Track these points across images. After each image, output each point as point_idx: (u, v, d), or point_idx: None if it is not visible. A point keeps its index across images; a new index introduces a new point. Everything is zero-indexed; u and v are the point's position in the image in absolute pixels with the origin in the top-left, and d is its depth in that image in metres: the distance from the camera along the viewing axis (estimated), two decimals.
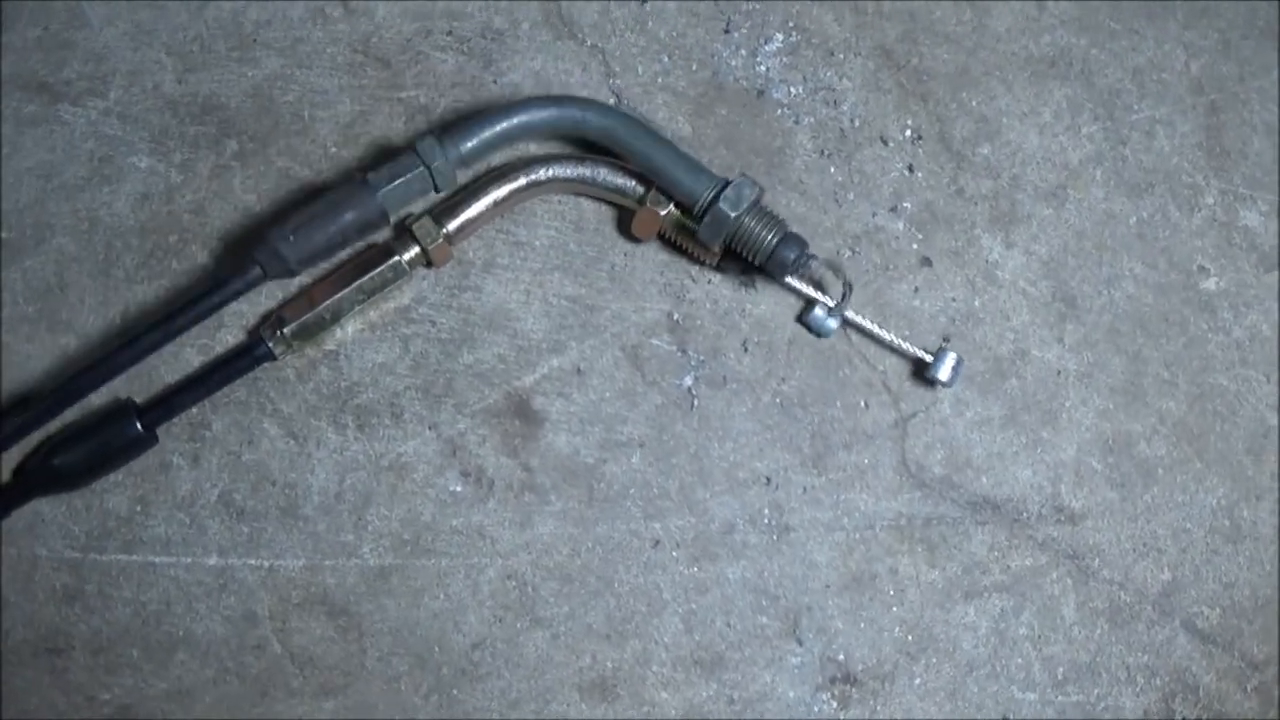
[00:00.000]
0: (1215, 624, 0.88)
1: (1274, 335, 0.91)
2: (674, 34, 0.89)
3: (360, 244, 0.80)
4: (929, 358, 0.84)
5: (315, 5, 0.88)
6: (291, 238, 0.75)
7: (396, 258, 0.78)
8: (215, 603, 0.82)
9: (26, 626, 0.81)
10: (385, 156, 0.82)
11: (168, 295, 0.84)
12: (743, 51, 0.89)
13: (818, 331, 0.85)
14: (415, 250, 0.79)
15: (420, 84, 0.87)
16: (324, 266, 0.82)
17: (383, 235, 0.82)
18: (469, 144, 0.76)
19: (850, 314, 0.84)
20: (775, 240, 0.78)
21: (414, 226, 0.78)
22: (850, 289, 0.82)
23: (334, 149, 0.86)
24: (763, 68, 0.89)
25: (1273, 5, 0.96)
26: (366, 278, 0.78)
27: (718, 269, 0.84)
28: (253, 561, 0.82)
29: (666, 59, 0.88)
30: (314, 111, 0.86)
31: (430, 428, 0.83)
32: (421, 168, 0.76)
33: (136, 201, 0.85)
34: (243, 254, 0.78)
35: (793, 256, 0.78)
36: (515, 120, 0.77)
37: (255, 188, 0.85)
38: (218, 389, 0.80)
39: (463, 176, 0.82)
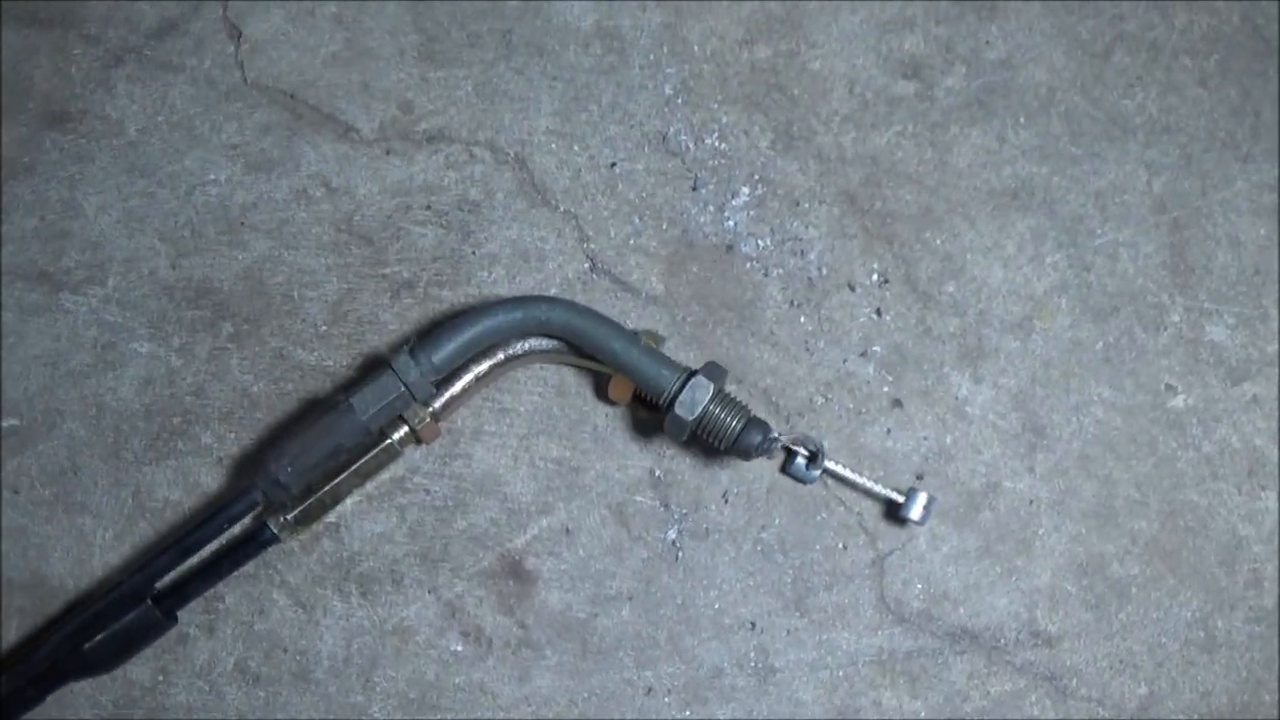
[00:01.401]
0: None
1: (1243, 447, 0.94)
2: (643, 195, 0.92)
3: None
4: (900, 499, 0.87)
5: (299, 187, 0.92)
6: (289, 468, 0.81)
7: (388, 441, 0.83)
8: None
9: None
10: (372, 349, 0.87)
11: (175, 475, 0.89)
12: (711, 207, 0.92)
13: (802, 480, 0.88)
14: (405, 430, 0.83)
15: (403, 259, 0.91)
16: None
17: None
18: (440, 355, 0.82)
19: (829, 464, 0.87)
20: (739, 428, 0.81)
21: (402, 410, 0.83)
22: (821, 454, 0.85)
23: (324, 327, 0.90)
24: (731, 222, 0.92)
25: (1233, 115, 0.97)
26: (361, 463, 0.83)
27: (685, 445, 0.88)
28: None
29: (638, 220, 0.92)
30: (303, 291, 0.90)
31: (430, 591, 0.88)
32: (400, 386, 0.81)
33: (140, 386, 0.90)
34: (242, 471, 0.83)
35: (756, 442, 0.82)
36: (481, 328, 0.82)
37: (251, 368, 0.90)
38: (228, 574, 0.85)
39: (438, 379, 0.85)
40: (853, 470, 0.88)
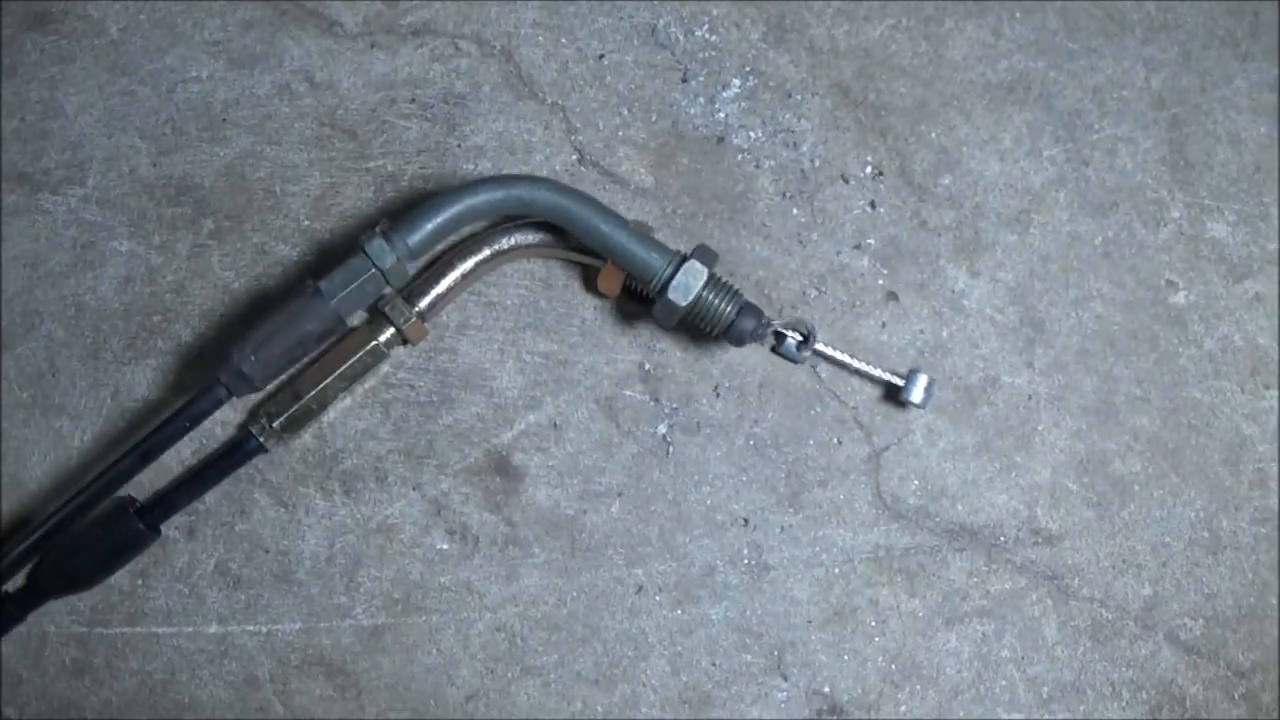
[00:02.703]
0: (1199, 635, 0.89)
1: (1246, 345, 0.92)
2: (632, 86, 0.90)
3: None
4: (900, 381, 0.85)
5: (281, 82, 0.90)
6: (253, 357, 0.76)
7: (374, 342, 0.80)
8: (218, 669, 0.85)
9: (39, 701, 0.85)
10: (359, 229, 0.85)
11: (155, 374, 0.87)
12: (701, 99, 0.90)
13: (792, 359, 0.86)
14: (391, 331, 0.81)
15: (387, 153, 0.89)
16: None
17: (358, 319, 0.84)
18: (416, 237, 0.77)
19: (821, 347, 0.85)
20: (733, 314, 0.79)
21: (386, 309, 0.80)
22: (813, 336, 0.83)
23: (306, 222, 0.88)
24: (721, 114, 0.90)
25: (1231, 14, 0.96)
26: (348, 365, 0.80)
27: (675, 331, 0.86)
28: (251, 627, 0.85)
29: (626, 112, 0.90)
30: (285, 186, 0.89)
31: (414, 489, 0.86)
32: (372, 269, 0.76)
33: (119, 285, 0.88)
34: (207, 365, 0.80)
35: (750, 328, 0.79)
36: (461, 206, 0.77)
37: (233, 265, 0.88)
38: (214, 484, 0.82)
39: (416, 265, 0.83)
40: (852, 355, 0.85)
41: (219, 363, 0.79)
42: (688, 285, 0.79)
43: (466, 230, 0.83)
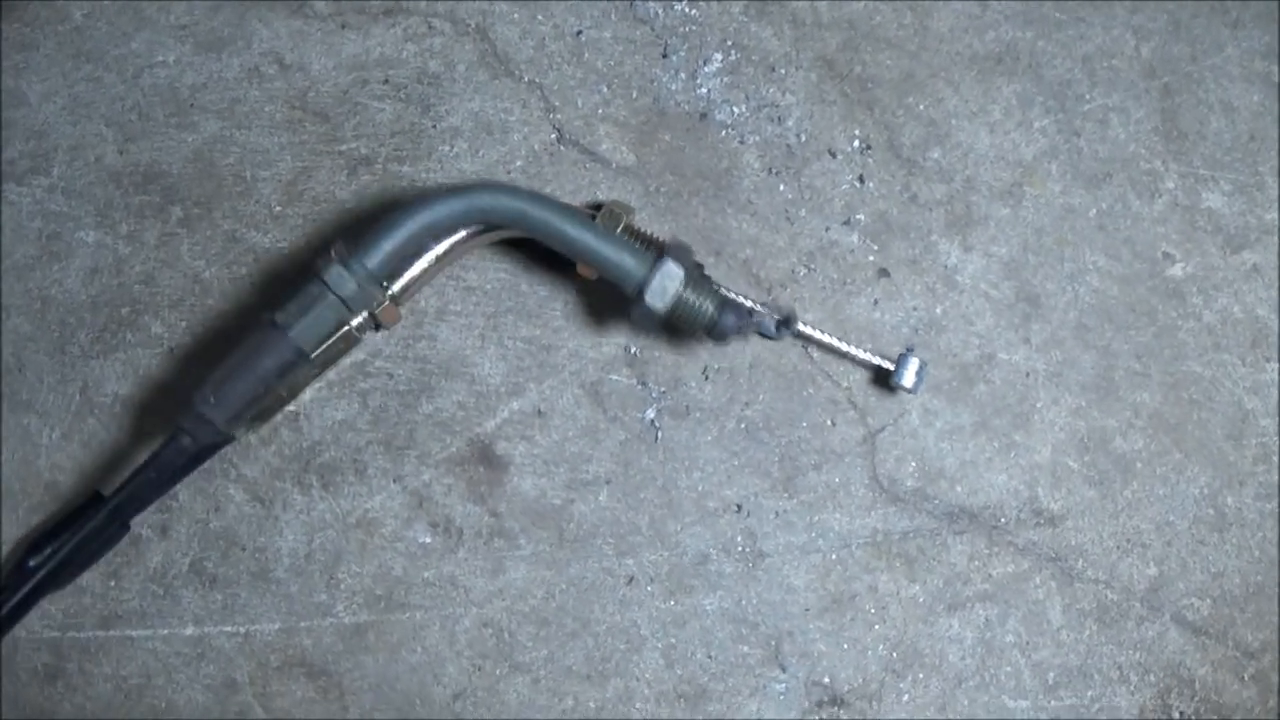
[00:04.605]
0: (1206, 615, 0.87)
1: (1245, 317, 0.90)
2: (611, 63, 0.88)
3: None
4: (890, 365, 0.83)
5: (250, 65, 0.87)
6: (216, 404, 0.73)
7: (346, 327, 0.77)
8: (195, 672, 0.82)
9: (11, 708, 0.81)
10: (340, 223, 0.82)
11: (124, 368, 0.84)
12: (682, 75, 0.88)
13: (770, 336, 0.83)
14: (363, 315, 0.78)
15: (360, 135, 0.86)
16: None
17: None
18: (377, 259, 0.73)
19: (805, 329, 0.82)
20: (714, 312, 0.76)
21: (340, 326, 0.76)
22: (791, 321, 0.80)
23: (278, 208, 0.85)
24: (704, 90, 0.88)
25: None
26: (318, 353, 0.77)
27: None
28: (228, 628, 0.82)
29: (606, 89, 0.87)
30: (255, 171, 0.86)
31: (395, 481, 0.83)
32: (333, 299, 0.73)
33: (86, 276, 0.85)
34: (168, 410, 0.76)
35: (732, 324, 0.76)
36: (419, 224, 0.74)
37: (203, 253, 0.85)
38: (185, 476, 0.79)
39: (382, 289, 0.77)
40: (838, 339, 0.83)
41: (180, 410, 0.75)
42: (664, 289, 0.75)
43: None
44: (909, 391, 0.82)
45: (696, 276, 0.77)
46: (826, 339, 0.82)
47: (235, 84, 0.87)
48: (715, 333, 0.77)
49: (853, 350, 0.82)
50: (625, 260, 0.76)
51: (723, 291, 0.79)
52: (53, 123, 0.87)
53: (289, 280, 0.83)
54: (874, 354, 0.83)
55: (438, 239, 0.77)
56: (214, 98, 0.87)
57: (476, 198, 0.75)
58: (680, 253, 0.77)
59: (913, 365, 0.82)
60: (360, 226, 0.79)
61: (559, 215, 0.76)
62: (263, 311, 0.76)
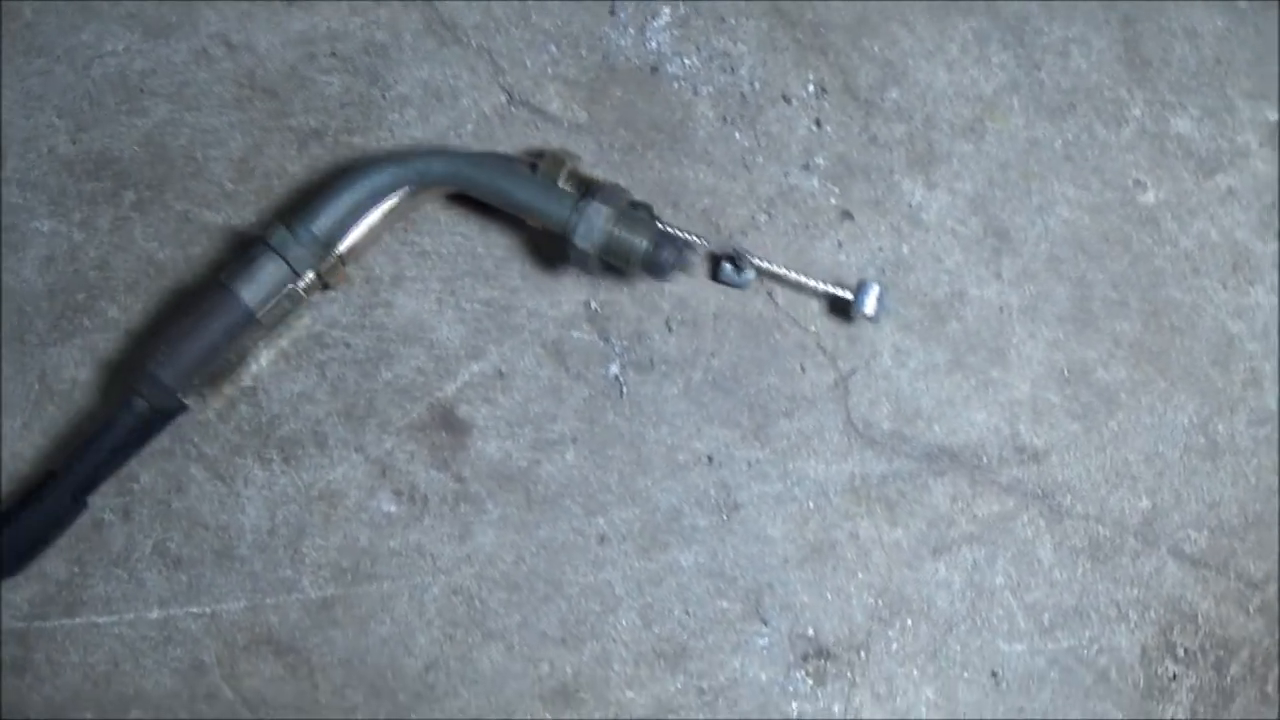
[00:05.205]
0: (1205, 547, 0.84)
1: (1224, 241, 0.88)
2: (559, 23, 0.87)
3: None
4: (849, 295, 0.80)
5: (198, 48, 0.87)
6: (171, 367, 0.73)
7: (290, 286, 0.76)
8: (162, 656, 0.80)
9: None
10: (291, 195, 0.82)
11: (81, 354, 0.83)
12: (631, 30, 0.87)
13: (736, 285, 0.82)
14: (310, 276, 0.77)
15: (309, 109, 0.86)
16: None
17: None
18: (320, 225, 0.76)
19: (759, 261, 0.80)
20: (648, 247, 0.75)
21: (288, 289, 0.76)
22: (744, 255, 0.79)
23: (230, 185, 0.85)
24: (653, 44, 0.87)
25: None
26: (265, 311, 0.76)
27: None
28: (194, 609, 0.80)
29: (554, 49, 0.87)
30: (206, 151, 0.85)
31: (356, 450, 0.81)
32: (282, 264, 0.75)
33: (42, 265, 0.85)
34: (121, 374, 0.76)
35: (669, 258, 0.75)
36: (361, 190, 0.76)
37: (156, 235, 0.84)
38: (138, 450, 0.78)
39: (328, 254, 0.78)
40: (794, 271, 0.81)
41: (133, 374, 0.75)
42: (590, 228, 0.75)
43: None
44: (871, 319, 0.80)
45: (628, 214, 0.76)
46: (784, 272, 0.80)
47: (184, 67, 0.87)
48: (653, 268, 0.76)
49: (808, 280, 0.80)
50: (551, 204, 0.76)
51: (662, 227, 0.78)
52: (6, 116, 0.87)
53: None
54: (832, 285, 0.81)
55: (381, 200, 0.77)
56: (163, 82, 0.87)
57: (414, 163, 0.78)
58: (610, 192, 0.76)
59: (873, 291, 0.80)
60: (308, 196, 0.79)
61: (490, 168, 0.77)
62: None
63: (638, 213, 0.77)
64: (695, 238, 0.79)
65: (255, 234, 0.77)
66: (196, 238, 0.84)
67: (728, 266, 0.81)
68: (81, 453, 0.74)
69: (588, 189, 0.77)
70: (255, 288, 0.74)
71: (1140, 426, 0.85)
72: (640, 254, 0.75)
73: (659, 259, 0.75)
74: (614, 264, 0.77)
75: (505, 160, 0.78)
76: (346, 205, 0.76)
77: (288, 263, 0.75)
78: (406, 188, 0.77)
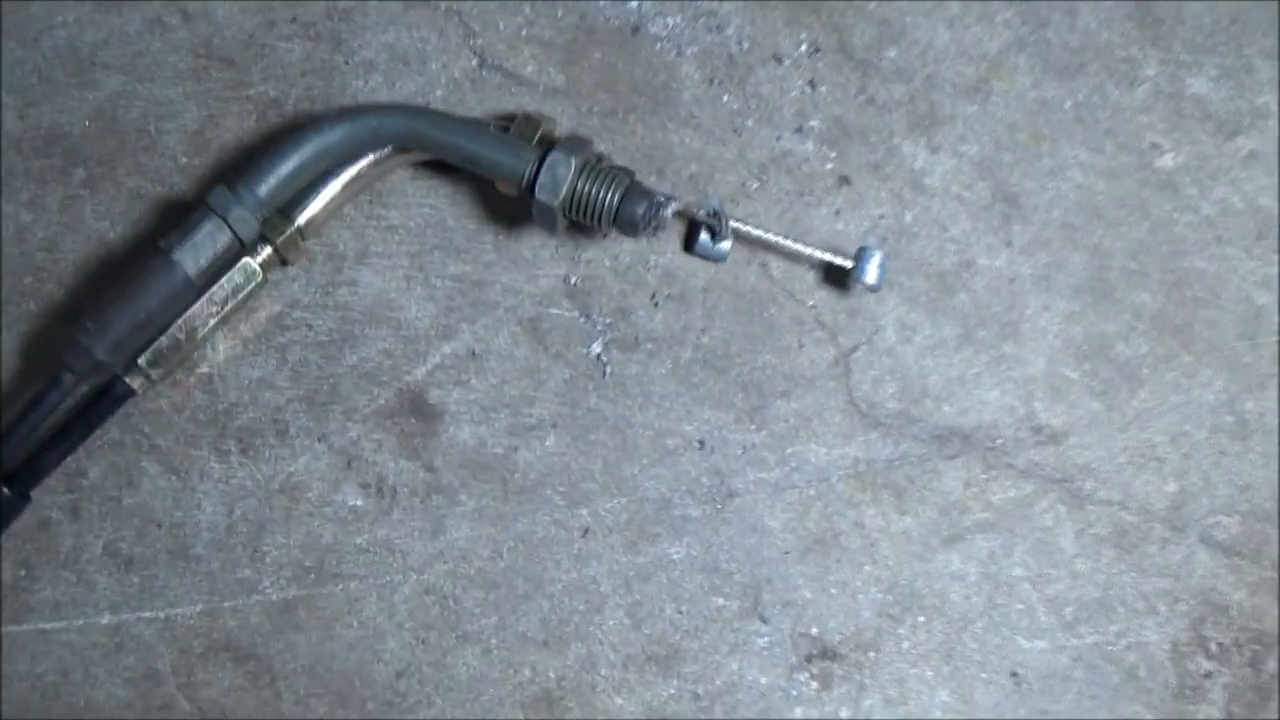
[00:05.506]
0: (1236, 533, 0.78)
1: (1247, 207, 0.82)
2: None
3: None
4: (848, 263, 0.75)
5: (152, 16, 0.82)
6: (103, 340, 0.67)
7: (245, 260, 0.71)
8: (114, 665, 0.74)
9: None
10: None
11: (26, 341, 0.78)
12: None
13: (712, 257, 0.76)
14: (267, 250, 0.72)
15: (269, 78, 0.80)
16: None
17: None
18: (265, 187, 0.70)
19: (749, 229, 0.74)
20: (615, 200, 0.69)
21: (260, 224, 0.71)
22: (722, 215, 0.73)
23: (184, 159, 0.79)
24: (634, 2, 0.82)
25: None
26: (216, 287, 0.71)
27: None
28: (147, 614, 0.74)
29: (529, 9, 0.82)
30: (160, 124, 0.80)
31: (319, 440, 0.76)
32: (218, 221, 0.69)
33: None
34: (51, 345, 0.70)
35: (641, 211, 0.69)
36: (309, 148, 0.70)
37: (107, 213, 0.79)
38: (83, 439, 0.72)
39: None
40: (782, 236, 0.74)
41: (63, 345, 0.69)
42: (555, 180, 0.69)
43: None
44: (873, 289, 0.74)
45: (594, 166, 0.70)
46: (773, 238, 0.74)
47: (137, 37, 0.82)
48: (623, 224, 0.70)
49: (804, 249, 0.74)
50: (513, 159, 0.70)
51: (632, 180, 0.72)
52: None
53: None
54: (828, 251, 0.75)
55: (336, 164, 0.71)
56: (115, 53, 0.82)
57: (364, 119, 0.72)
58: (573, 144, 0.71)
59: (875, 259, 0.74)
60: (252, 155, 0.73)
61: (443, 122, 0.72)
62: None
63: (607, 166, 0.71)
64: (680, 200, 0.73)
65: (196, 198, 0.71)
66: (149, 216, 0.79)
67: (704, 236, 0.75)
68: (7, 436, 0.68)
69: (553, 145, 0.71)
70: (193, 252, 0.68)
71: (1165, 404, 0.79)
72: (608, 210, 0.69)
73: (630, 214, 0.69)
74: (581, 221, 0.71)
75: (459, 118, 0.73)
76: (293, 164, 0.71)
77: (229, 225, 0.69)
78: (367, 152, 0.72)
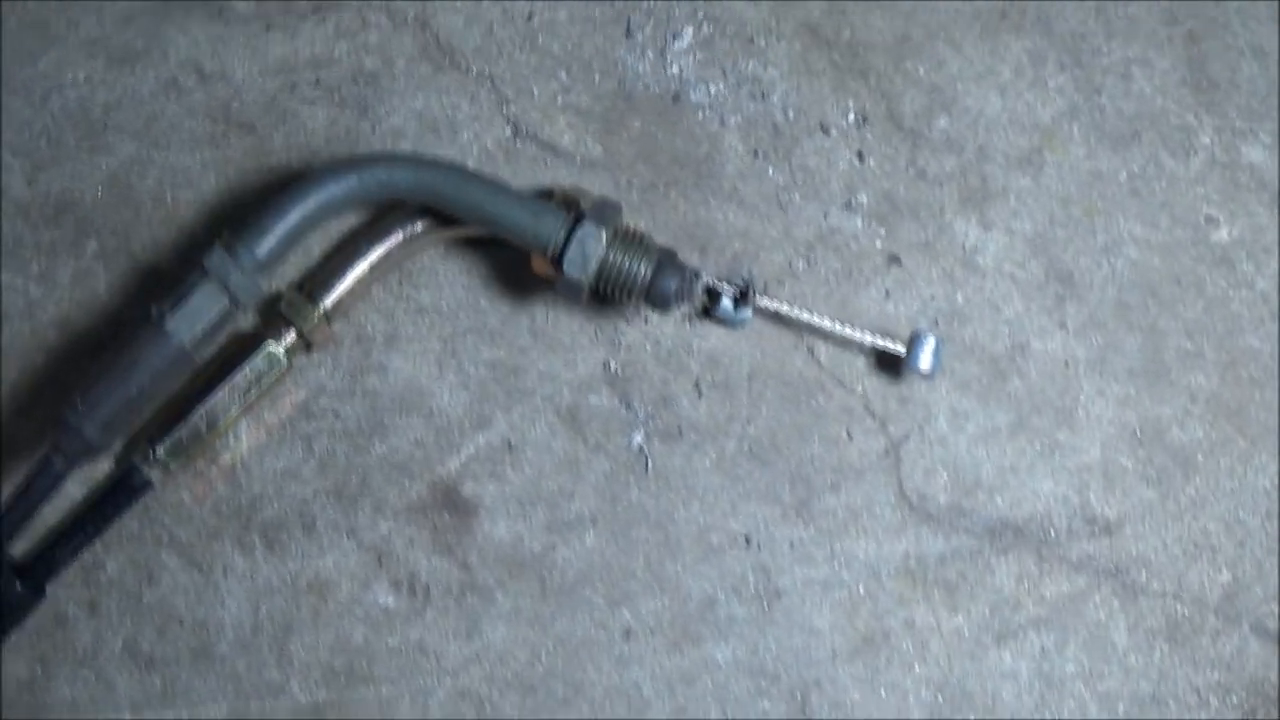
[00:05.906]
0: None
1: None
2: (569, 46, 0.78)
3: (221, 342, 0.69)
4: (900, 349, 0.72)
5: (167, 77, 0.78)
6: (92, 417, 0.62)
7: (269, 346, 0.67)
8: None
9: None
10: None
11: (41, 425, 0.74)
12: (650, 54, 0.78)
13: (731, 323, 0.73)
14: (291, 335, 0.68)
15: (291, 145, 0.77)
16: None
17: (249, 322, 0.72)
18: (265, 245, 0.64)
19: (788, 309, 0.71)
20: (648, 274, 0.66)
21: (283, 307, 0.68)
22: (749, 288, 0.71)
23: (203, 233, 0.76)
24: (675, 68, 0.78)
25: None
26: (238, 374, 0.67)
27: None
28: (169, 715, 0.72)
29: (564, 75, 0.78)
30: (176, 193, 0.76)
31: (348, 535, 0.73)
32: (220, 292, 0.63)
33: None
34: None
35: (674, 286, 0.66)
36: (311, 203, 0.64)
37: (122, 289, 0.75)
38: (100, 533, 0.69)
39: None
40: (830, 319, 0.72)
41: (52, 427, 0.65)
42: (584, 254, 0.65)
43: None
44: (926, 376, 0.72)
45: (625, 236, 0.67)
46: (821, 322, 0.71)
47: (151, 99, 0.78)
48: (655, 299, 0.67)
49: (853, 333, 0.71)
50: (541, 224, 0.66)
51: (663, 250, 0.68)
52: None
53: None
54: (880, 336, 0.72)
55: (336, 216, 0.67)
56: (129, 116, 0.78)
57: (372, 171, 0.66)
58: (604, 211, 0.67)
59: (929, 344, 0.71)
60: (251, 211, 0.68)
61: (461, 178, 0.67)
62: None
63: (638, 236, 0.68)
64: (718, 280, 0.70)
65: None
66: (165, 293, 0.75)
67: (726, 302, 0.72)
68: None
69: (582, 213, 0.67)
70: (187, 320, 0.63)
71: (1220, 492, 0.76)
72: (639, 284, 0.66)
73: (663, 289, 0.66)
74: (608, 296, 0.68)
75: (478, 174, 0.68)
76: (295, 219, 0.65)
77: (226, 289, 0.64)
78: (375, 205, 0.66)
